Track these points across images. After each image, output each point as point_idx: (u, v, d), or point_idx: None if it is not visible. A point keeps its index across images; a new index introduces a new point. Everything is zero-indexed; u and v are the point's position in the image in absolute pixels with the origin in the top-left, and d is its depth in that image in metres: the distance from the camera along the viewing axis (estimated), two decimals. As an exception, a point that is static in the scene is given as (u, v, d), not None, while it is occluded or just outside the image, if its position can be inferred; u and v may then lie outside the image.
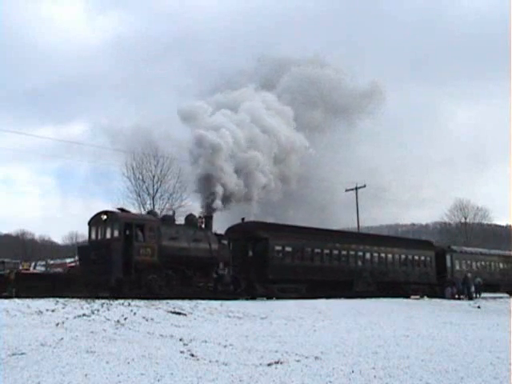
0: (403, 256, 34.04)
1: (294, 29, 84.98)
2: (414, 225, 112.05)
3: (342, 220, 48.89)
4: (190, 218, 25.00)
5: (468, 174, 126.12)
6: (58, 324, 12.65)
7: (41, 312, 14.06)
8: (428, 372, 8.54)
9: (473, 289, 35.50)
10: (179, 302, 18.67)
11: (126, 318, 14.38)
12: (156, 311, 16.35)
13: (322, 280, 28.50)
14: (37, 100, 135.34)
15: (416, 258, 34.86)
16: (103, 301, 17.13)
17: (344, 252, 30.37)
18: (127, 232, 21.53)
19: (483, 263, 40.90)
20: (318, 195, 43.01)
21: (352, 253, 30.87)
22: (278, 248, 26.97)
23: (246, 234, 26.40)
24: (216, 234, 24.98)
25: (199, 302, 19.41)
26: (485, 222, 72.35)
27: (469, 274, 35.82)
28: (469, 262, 39.24)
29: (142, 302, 17.74)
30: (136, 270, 20.98)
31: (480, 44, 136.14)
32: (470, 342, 12.89)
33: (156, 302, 18.13)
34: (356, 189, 45.67)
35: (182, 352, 9.87)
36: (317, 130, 41.16)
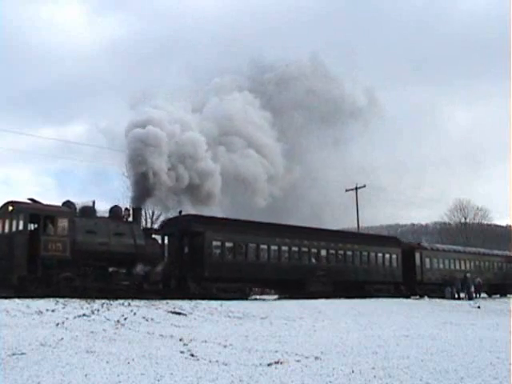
0: (365, 253, 31.50)
1: (293, 30, 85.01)
2: (413, 225, 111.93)
3: (342, 220, 48.93)
4: (114, 210, 22.65)
5: (468, 174, 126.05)
6: (58, 324, 12.66)
7: (41, 312, 14.07)
8: (428, 372, 8.53)
9: (472, 289, 35.42)
10: (179, 302, 18.69)
11: (126, 318, 14.39)
12: (156, 311, 16.37)
13: (270, 279, 26.71)
14: (37, 101, 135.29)
15: (380, 255, 32.28)
16: (103, 301, 17.14)
17: (295, 248, 27.85)
18: (34, 224, 19.67)
19: (458, 261, 38.20)
20: (317, 195, 43.05)
21: (304, 249, 28.38)
22: (217, 243, 24.54)
23: (181, 227, 24.28)
24: (146, 229, 23.17)
25: (199, 302, 19.43)
26: (485, 222, 72.46)
27: (468, 274, 35.76)
28: (441, 260, 36.65)
29: (142, 302, 17.76)
30: (44, 267, 19.03)
31: (478, 45, 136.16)
32: (469, 342, 12.90)
33: (156, 302, 18.15)
34: (356, 189, 45.65)
35: (182, 352, 9.87)
36: (312, 132, 41.37)
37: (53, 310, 14.51)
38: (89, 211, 21.76)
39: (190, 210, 28.69)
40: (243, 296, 24.01)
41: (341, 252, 30.25)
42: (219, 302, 19.94)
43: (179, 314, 16.50)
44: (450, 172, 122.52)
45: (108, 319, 14.06)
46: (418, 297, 33.14)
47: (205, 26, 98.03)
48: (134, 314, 15.33)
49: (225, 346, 10.83)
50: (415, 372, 8.51)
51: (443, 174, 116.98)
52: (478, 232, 69.86)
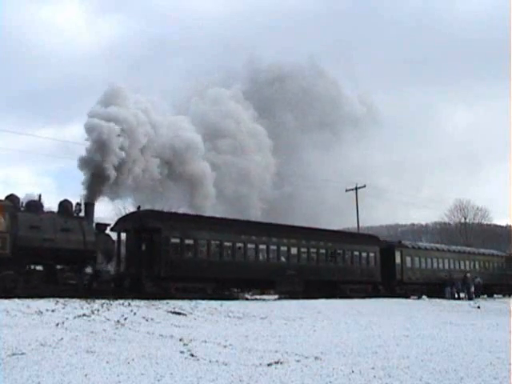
0: (340, 252, 30.10)
1: (291, 31, 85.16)
2: (413, 225, 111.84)
3: (342, 221, 48.95)
4: (64, 205, 21.18)
5: (468, 174, 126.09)
6: (58, 324, 12.66)
7: (41, 312, 14.07)
8: (428, 372, 8.53)
9: (472, 289, 35.34)
10: (179, 302, 18.69)
11: (126, 318, 14.39)
12: (156, 311, 16.37)
13: (235, 278, 24.97)
14: (37, 101, 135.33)
15: (356, 253, 30.76)
16: (103, 301, 17.15)
17: (262, 246, 26.27)
18: None
19: (441, 260, 36.63)
20: (315, 196, 43.10)
21: (273, 247, 26.79)
22: (175, 240, 23.13)
23: (137, 224, 23.03)
24: (100, 224, 22.11)
25: (199, 302, 19.43)
26: (485, 222, 72.39)
27: (468, 274, 35.68)
28: (423, 258, 35.13)
29: (142, 302, 17.77)
30: None
31: (478, 46, 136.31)
32: (470, 342, 12.90)
33: (156, 302, 18.15)
34: (356, 189, 45.64)
35: (181, 352, 9.87)
36: (309, 134, 41.52)
37: (53, 310, 14.51)
38: (34, 206, 20.34)
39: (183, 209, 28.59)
40: (206, 296, 22.04)
41: (313, 250, 28.72)
42: (219, 301, 19.95)
43: (179, 313, 16.50)
44: (450, 172, 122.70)
45: (108, 319, 14.06)
46: (399, 297, 31.31)
47: (203, 27, 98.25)
48: (134, 314, 15.33)
49: (225, 346, 10.83)
50: (415, 372, 8.51)
51: (443, 174, 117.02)
52: (478, 232, 69.82)
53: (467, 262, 38.71)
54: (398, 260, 33.05)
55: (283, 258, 27.37)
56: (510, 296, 40.94)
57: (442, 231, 79.02)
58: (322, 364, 9.07)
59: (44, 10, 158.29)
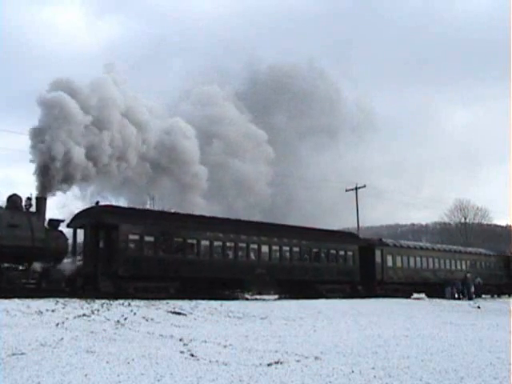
0: (315, 250, 28.61)
1: (290, 31, 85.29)
2: (413, 225, 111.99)
3: (342, 221, 48.98)
4: (12, 200, 20.19)
5: (468, 174, 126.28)
6: (58, 324, 12.66)
7: (41, 312, 14.07)
8: (428, 372, 8.53)
9: (473, 289, 35.30)
10: (179, 302, 18.69)
11: (126, 318, 14.39)
12: (156, 311, 16.37)
13: (200, 277, 23.67)
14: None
15: (333, 252, 29.39)
16: (103, 301, 17.16)
17: (230, 244, 24.96)
18: None
19: (426, 259, 35.11)
20: (314, 197, 43.16)
21: (242, 245, 25.43)
22: (134, 237, 21.91)
23: (93, 220, 21.74)
24: (52, 220, 20.90)
25: (199, 302, 19.43)
26: (485, 222, 72.41)
27: (468, 274, 35.62)
28: (406, 257, 33.61)
29: (142, 302, 17.77)
30: None
31: (478, 46, 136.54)
32: (470, 342, 12.90)
33: (156, 302, 18.15)
34: (356, 189, 45.65)
35: (181, 352, 9.87)
36: (308, 135, 41.61)
37: (53, 310, 14.51)
38: None
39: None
40: (168, 296, 20.79)
41: (286, 248, 27.34)
42: (219, 301, 19.94)
43: (179, 313, 16.50)
44: (450, 172, 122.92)
45: (108, 319, 14.06)
46: (380, 297, 29.64)
47: (203, 27, 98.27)
48: (134, 314, 15.33)
49: (225, 346, 10.83)
50: (415, 372, 8.51)
51: (443, 174, 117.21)
52: (478, 232, 69.83)
53: (453, 262, 37.41)
54: (378, 259, 31.63)
55: (253, 257, 26.07)
56: (499, 296, 40.29)
57: (442, 231, 79.07)
58: (322, 364, 9.07)
59: (44, 11, 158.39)
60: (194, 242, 23.88)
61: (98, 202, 23.43)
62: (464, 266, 38.06)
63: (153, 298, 19.39)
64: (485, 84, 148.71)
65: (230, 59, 44.94)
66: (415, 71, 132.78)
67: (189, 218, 24.94)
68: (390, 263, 32.40)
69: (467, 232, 68.54)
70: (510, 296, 40.90)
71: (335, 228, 35.70)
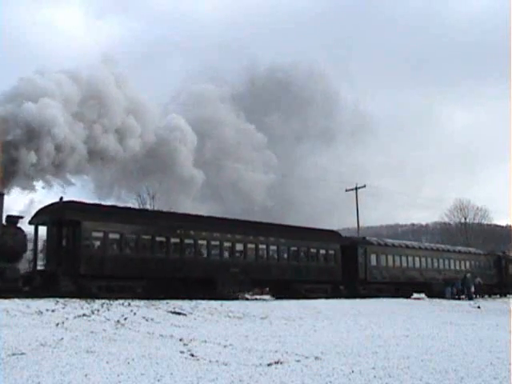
0: (294, 248, 27.53)
1: (290, 32, 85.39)
2: (413, 225, 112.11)
3: (342, 221, 49.03)
4: None
5: (468, 174, 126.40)
6: (58, 324, 12.66)
7: (41, 312, 14.07)
8: (428, 372, 8.53)
9: (473, 289, 35.25)
10: (179, 302, 18.69)
11: (126, 318, 14.39)
12: (156, 311, 16.37)
13: (169, 277, 22.63)
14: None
15: (313, 251, 28.32)
16: (103, 301, 17.15)
17: (202, 242, 23.98)
18: None
19: (412, 258, 33.85)
20: (314, 196, 43.20)
21: (215, 243, 24.42)
22: (98, 234, 20.98)
23: (55, 216, 20.84)
24: (11, 216, 20.09)
25: (199, 302, 19.42)
26: (485, 222, 72.30)
27: (468, 274, 35.52)
28: (391, 256, 32.41)
29: (141, 302, 17.76)
30: None
31: (478, 47, 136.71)
32: (470, 342, 12.90)
33: (156, 302, 18.14)
34: (356, 189, 45.65)
35: (182, 352, 9.87)
36: (306, 136, 41.71)
37: (53, 310, 14.51)
38: None
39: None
40: (134, 296, 19.79)
41: (262, 246, 26.24)
42: (219, 301, 19.93)
43: (179, 313, 16.50)
44: (450, 172, 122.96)
45: (108, 319, 14.06)
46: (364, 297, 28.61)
47: (203, 28, 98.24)
48: (134, 314, 15.33)
49: (225, 346, 10.83)
50: (415, 372, 8.51)
51: (443, 174, 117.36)
52: (478, 232, 69.76)
53: (441, 261, 36.26)
54: (361, 258, 30.62)
55: (226, 255, 25.07)
56: (490, 296, 39.27)
57: (442, 231, 79.01)
58: (322, 364, 9.07)
59: (44, 11, 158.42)
60: (163, 239, 22.94)
61: (61, 198, 22.30)
62: (452, 266, 37.11)
63: (118, 298, 18.49)
64: (485, 84, 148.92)
65: (228, 60, 45.09)
66: (416, 72, 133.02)
67: (158, 215, 24.19)
68: (373, 262, 31.38)
69: (467, 232, 68.47)
70: (501, 296, 40.10)
71: (335, 228, 35.65)
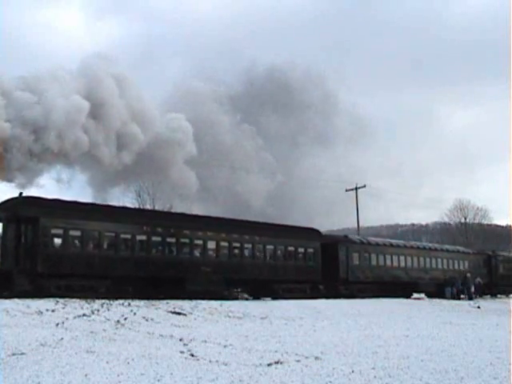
0: (270, 246, 26.49)
1: (289, 34, 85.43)
2: (413, 225, 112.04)
3: (342, 221, 49.02)
4: None
5: (467, 174, 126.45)
6: (58, 324, 12.66)
7: (41, 312, 14.07)
8: (428, 372, 8.53)
9: (473, 289, 35.22)
10: (179, 302, 18.68)
11: (126, 318, 14.39)
12: (156, 311, 16.37)
13: (134, 276, 21.61)
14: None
15: (291, 249, 27.27)
16: (103, 301, 17.14)
17: (171, 239, 22.98)
18: None
19: (397, 257, 32.71)
20: (316, 196, 43.20)
21: (184, 240, 23.39)
22: (57, 231, 20.04)
23: (10, 212, 19.88)
24: None
25: (199, 302, 19.42)
26: (485, 222, 72.31)
27: (468, 274, 35.50)
28: (375, 255, 31.33)
29: (141, 302, 17.75)
30: None
31: (477, 47, 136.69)
32: (470, 342, 12.90)
33: (156, 302, 18.14)
34: (356, 189, 45.66)
35: (181, 352, 9.87)
36: (304, 138, 41.72)
37: (53, 310, 14.51)
38: None
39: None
40: (98, 296, 18.94)
41: (236, 244, 25.11)
42: (219, 301, 19.93)
43: (179, 313, 16.50)
44: (450, 172, 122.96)
45: (108, 319, 14.05)
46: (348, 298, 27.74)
47: (202, 29, 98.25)
48: (134, 314, 15.33)
49: (225, 346, 10.83)
50: (415, 372, 8.51)
51: (443, 174, 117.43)
52: (478, 232, 69.78)
53: (428, 260, 35.14)
54: (342, 257, 29.47)
55: (197, 253, 23.96)
56: (480, 297, 37.26)
57: (442, 231, 79.04)
58: (322, 364, 9.07)
59: (44, 12, 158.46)
60: (128, 236, 21.90)
61: (21, 194, 21.56)
62: (440, 265, 36.04)
63: (79, 297, 17.65)
64: (485, 84, 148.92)
65: (226, 60, 45.06)
66: (415, 72, 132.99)
67: (123, 212, 23.15)
68: (355, 261, 30.26)
69: (467, 232, 68.50)
70: (491, 296, 39.29)
71: (334, 228, 35.63)
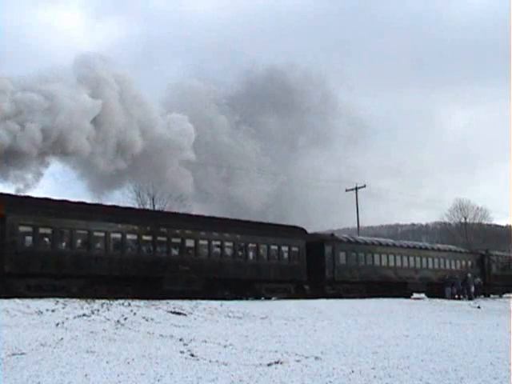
0: (252, 245, 25.73)
1: (289, 35, 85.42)
2: (413, 225, 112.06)
3: (342, 221, 49.02)
4: None
5: (467, 174, 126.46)
6: (58, 324, 12.66)
7: (41, 312, 14.07)
8: (428, 372, 8.53)
9: (473, 289, 35.18)
10: (179, 302, 18.68)
11: (126, 318, 14.39)
12: (156, 311, 16.37)
13: (108, 275, 20.97)
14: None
15: (274, 248, 26.48)
16: (103, 301, 17.15)
17: (147, 237, 22.33)
18: None
19: (387, 257, 31.94)
20: (315, 197, 43.21)
21: (162, 239, 22.76)
22: (26, 229, 19.32)
23: None
24: None
25: (199, 302, 19.42)
26: (485, 222, 72.29)
27: (469, 274, 35.45)
28: (363, 255, 30.62)
29: (142, 302, 17.76)
30: None
31: (477, 47, 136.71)
32: (470, 342, 12.89)
33: (156, 302, 18.14)
34: (356, 189, 45.67)
35: (181, 352, 9.87)
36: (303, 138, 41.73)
37: (53, 310, 14.51)
38: None
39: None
40: (69, 295, 18.49)
41: (216, 243, 24.41)
42: (219, 301, 19.94)
43: (179, 313, 16.50)
44: (450, 172, 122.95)
45: (108, 319, 14.06)
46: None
47: (202, 29, 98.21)
48: (134, 314, 15.33)
49: (225, 346, 10.82)
50: (415, 372, 8.51)
51: (443, 174, 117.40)
52: (478, 232, 69.77)
53: (418, 259, 34.21)
54: (328, 256, 28.69)
55: (175, 252, 23.27)
56: (470, 299, 36.34)
57: (442, 231, 79.07)
58: (322, 364, 9.06)
59: (44, 13, 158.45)
60: (102, 234, 21.10)
61: None
62: (430, 264, 35.11)
63: (50, 297, 17.29)
64: (485, 84, 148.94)
65: (225, 61, 45.02)
66: (415, 72, 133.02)
67: (96, 209, 22.53)
68: (342, 261, 29.44)
69: (467, 232, 68.49)
70: (484, 297, 38.45)
71: (334, 228, 35.61)
